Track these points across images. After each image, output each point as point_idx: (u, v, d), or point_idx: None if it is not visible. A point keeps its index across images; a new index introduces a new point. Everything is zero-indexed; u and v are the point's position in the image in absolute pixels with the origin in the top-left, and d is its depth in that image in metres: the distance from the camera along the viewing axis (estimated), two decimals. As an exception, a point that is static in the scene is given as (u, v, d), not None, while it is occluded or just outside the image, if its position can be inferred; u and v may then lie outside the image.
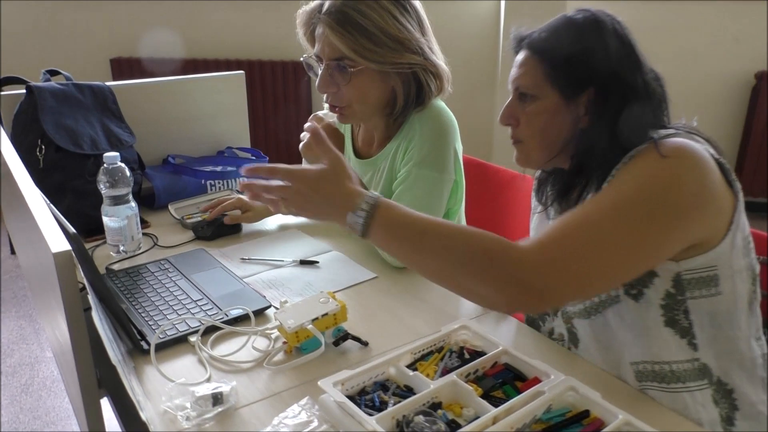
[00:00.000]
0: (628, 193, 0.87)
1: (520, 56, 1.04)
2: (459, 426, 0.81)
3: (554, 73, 0.98)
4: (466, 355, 0.98)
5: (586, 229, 0.86)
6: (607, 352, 1.02)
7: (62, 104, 1.52)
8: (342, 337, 1.04)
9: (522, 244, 0.86)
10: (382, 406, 0.86)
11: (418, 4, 1.30)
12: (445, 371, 0.93)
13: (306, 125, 1.36)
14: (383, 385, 0.92)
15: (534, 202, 1.22)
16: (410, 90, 1.31)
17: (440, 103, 1.36)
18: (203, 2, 3.53)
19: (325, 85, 1.28)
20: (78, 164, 1.49)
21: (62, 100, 1.53)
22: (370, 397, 0.88)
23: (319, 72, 1.29)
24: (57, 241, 0.72)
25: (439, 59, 1.33)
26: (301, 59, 1.35)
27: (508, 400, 0.84)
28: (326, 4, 1.25)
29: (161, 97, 1.78)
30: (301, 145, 1.37)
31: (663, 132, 0.96)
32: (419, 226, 0.91)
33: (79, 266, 0.78)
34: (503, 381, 0.92)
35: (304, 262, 1.35)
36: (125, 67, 3.64)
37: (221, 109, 1.89)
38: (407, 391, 0.90)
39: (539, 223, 1.20)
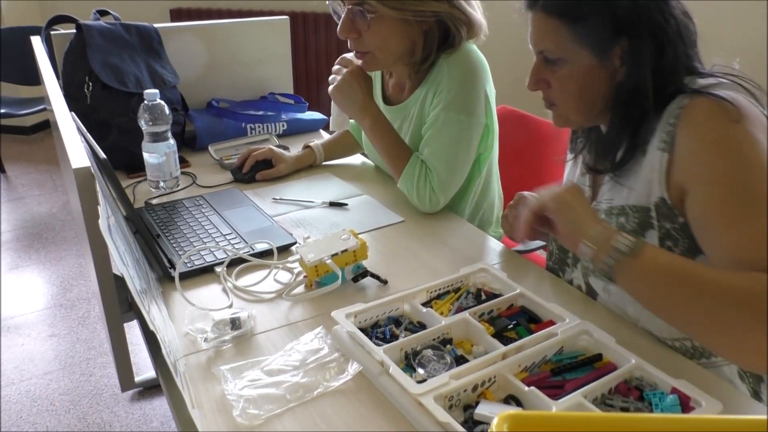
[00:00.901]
0: (749, 176, 0.80)
1: (537, 17, 0.95)
2: (466, 362, 0.81)
3: (581, 32, 0.91)
4: (483, 297, 0.98)
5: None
6: (623, 313, 1.00)
7: (110, 43, 1.56)
8: (361, 273, 1.06)
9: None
10: (392, 339, 0.87)
11: None
12: (460, 310, 0.93)
13: (334, 67, 1.36)
14: (396, 320, 0.93)
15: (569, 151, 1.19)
16: (433, 38, 1.28)
17: (471, 45, 1.32)
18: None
19: (346, 30, 1.27)
20: (123, 102, 1.53)
21: (110, 39, 1.57)
22: (381, 330, 0.90)
23: (341, 17, 1.28)
24: (79, 159, 0.75)
25: (473, 6, 1.28)
26: (327, 3, 1.34)
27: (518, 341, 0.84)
28: None
29: (207, 40, 1.81)
30: (330, 87, 1.36)
31: (705, 81, 0.89)
32: (677, 277, 0.79)
33: (104, 187, 0.82)
34: (517, 323, 0.91)
35: (333, 204, 1.37)
36: (185, 17, 3.70)
37: (265, 54, 1.90)
38: (419, 327, 0.91)
39: (570, 170, 1.16)
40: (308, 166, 1.58)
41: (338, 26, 1.28)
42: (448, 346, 0.86)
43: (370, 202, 1.39)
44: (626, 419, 0.54)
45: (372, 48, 1.28)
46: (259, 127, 1.76)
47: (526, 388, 0.75)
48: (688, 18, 0.91)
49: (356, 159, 1.67)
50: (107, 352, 2.26)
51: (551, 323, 0.90)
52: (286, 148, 1.64)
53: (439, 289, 0.99)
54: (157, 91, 1.37)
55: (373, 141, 1.34)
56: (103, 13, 1.72)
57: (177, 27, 1.77)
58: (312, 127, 1.86)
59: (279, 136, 1.78)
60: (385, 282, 1.07)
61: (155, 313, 0.88)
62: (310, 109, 1.89)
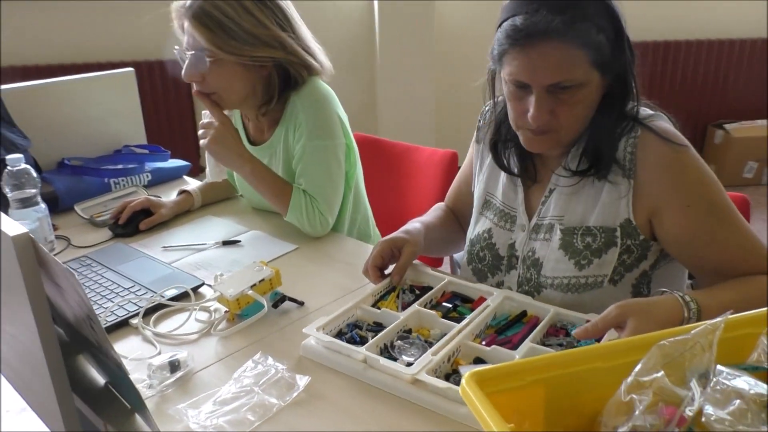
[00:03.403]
0: (714, 193, 1.00)
1: (553, 47, 0.93)
2: (431, 344, 0.95)
3: (596, 56, 0.94)
4: (416, 291, 1.13)
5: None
6: None
7: (-53, 112, 1.46)
8: (280, 299, 1.13)
9: None
10: (363, 340, 0.98)
11: (284, 2, 1.38)
12: (405, 305, 1.07)
13: (203, 122, 1.42)
14: (355, 325, 1.03)
15: (481, 149, 1.25)
16: (272, 81, 1.39)
17: (316, 79, 1.45)
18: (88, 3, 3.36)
19: (190, 75, 1.35)
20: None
21: (-54, 109, 1.46)
22: (348, 336, 1.00)
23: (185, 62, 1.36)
24: (11, 226, 0.75)
25: (311, 52, 1.41)
26: (174, 51, 1.41)
27: (464, 318, 1.01)
28: (188, 2, 1.33)
29: (51, 99, 1.74)
30: (203, 142, 1.40)
31: (645, 113, 1.04)
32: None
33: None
34: (455, 305, 1.07)
35: (227, 243, 1.41)
36: (19, 76, 3.34)
37: (114, 107, 1.88)
38: (378, 326, 1.03)
39: (492, 166, 1.21)
40: (186, 210, 1.60)
41: (182, 71, 1.36)
42: (413, 334, 0.99)
43: (261, 236, 1.45)
44: (574, 354, 0.70)
45: (216, 89, 1.38)
46: (123, 180, 1.73)
47: (488, 348, 0.92)
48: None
49: (230, 199, 1.72)
50: None
51: (482, 299, 1.07)
52: (158, 197, 1.64)
53: (380, 292, 1.11)
54: (21, 155, 1.33)
55: (255, 184, 1.41)
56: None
57: (17, 88, 1.69)
58: (176, 174, 1.87)
59: (145, 187, 1.76)
60: (302, 303, 1.16)
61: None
62: (172, 156, 1.90)
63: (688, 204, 1.00)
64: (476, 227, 1.24)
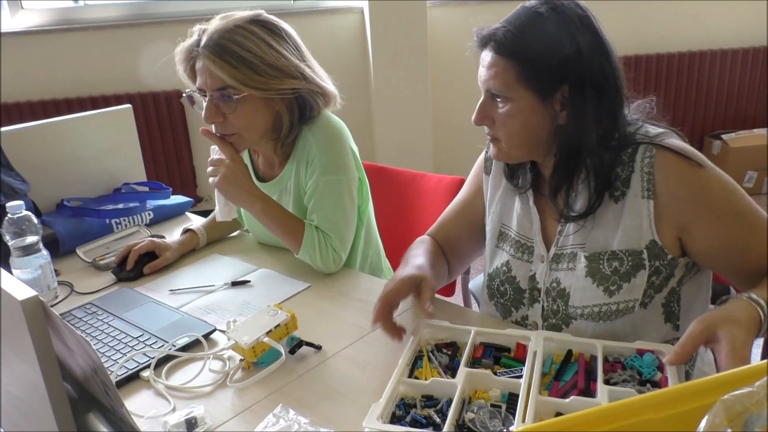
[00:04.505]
0: (739, 201, 1.00)
1: (488, 56, 1.02)
2: (498, 407, 0.89)
3: (526, 74, 0.98)
4: (443, 350, 1.04)
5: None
6: None
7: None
8: (297, 344, 1.09)
9: None
10: (429, 420, 0.89)
11: (292, 31, 1.36)
12: (444, 369, 1.00)
13: (212, 159, 1.37)
14: (405, 404, 0.93)
15: (478, 173, 1.26)
16: (294, 113, 1.36)
17: (327, 113, 1.42)
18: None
19: (211, 116, 1.31)
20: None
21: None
22: (409, 418, 0.89)
23: (204, 104, 1.31)
24: (19, 290, 0.71)
25: (323, 79, 1.39)
26: (184, 95, 1.37)
27: (516, 370, 0.96)
28: (204, 39, 1.29)
29: (48, 139, 1.71)
30: (213, 179, 1.35)
31: (655, 131, 1.04)
32: None
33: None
34: (495, 357, 1.01)
35: (236, 283, 1.37)
36: (15, 115, 3.30)
37: (112, 145, 1.84)
38: (430, 399, 0.93)
39: (505, 197, 1.20)
40: (191, 250, 1.56)
41: (203, 112, 1.31)
42: (481, 401, 0.91)
43: (271, 275, 1.41)
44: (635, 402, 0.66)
45: (238, 129, 1.33)
46: (124, 220, 1.69)
47: (567, 401, 0.86)
48: (621, 72, 1.02)
49: (235, 235, 1.68)
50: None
51: (522, 346, 1.02)
52: (161, 237, 1.60)
53: (410, 361, 1.00)
54: (21, 202, 1.28)
55: (266, 223, 1.37)
56: None
57: (14, 130, 1.65)
58: (179, 211, 1.83)
59: (147, 225, 1.72)
60: (319, 348, 1.11)
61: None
62: (174, 192, 1.86)
63: (717, 216, 1.00)
64: (494, 261, 1.21)
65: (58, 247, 1.57)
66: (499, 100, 1.02)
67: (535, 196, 1.15)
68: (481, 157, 1.27)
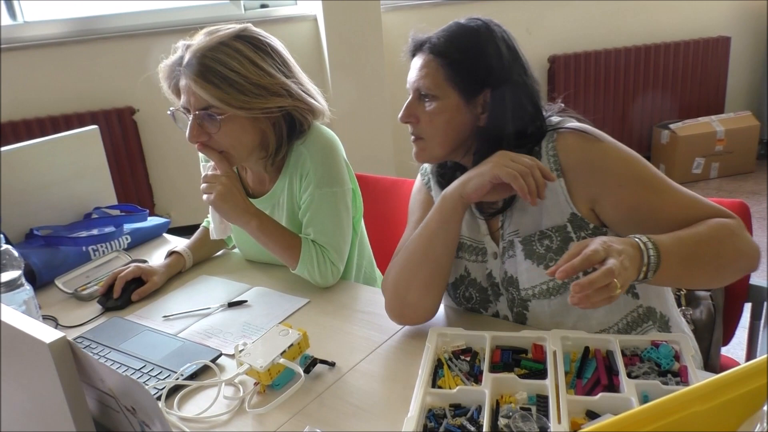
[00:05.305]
0: (639, 168, 1.07)
1: (420, 59, 1.12)
2: (529, 410, 0.89)
3: (454, 75, 1.09)
4: (461, 357, 1.05)
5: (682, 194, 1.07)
6: (559, 327, 1.11)
7: None
8: (311, 363, 1.07)
9: (728, 219, 1.04)
10: (463, 430, 0.88)
11: (279, 46, 1.32)
12: (466, 376, 1.00)
13: (207, 175, 1.33)
14: (436, 416, 0.92)
15: (424, 194, 1.28)
16: (281, 130, 1.33)
17: (319, 125, 1.40)
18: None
19: (195, 135, 1.27)
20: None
21: None
22: (443, 429, 0.89)
23: (188, 123, 1.27)
24: (45, 333, 0.68)
25: (311, 94, 1.36)
26: (168, 112, 1.32)
27: (539, 372, 0.97)
28: (186, 57, 1.25)
29: (12, 166, 1.62)
30: (207, 197, 1.31)
31: (556, 119, 1.14)
32: (686, 241, 0.98)
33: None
34: (515, 360, 1.02)
35: (232, 304, 1.33)
36: None
37: (79, 169, 1.76)
38: (459, 408, 0.93)
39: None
40: (177, 272, 1.51)
41: (187, 132, 1.28)
42: (511, 405, 0.91)
43: (267, 293, 1.38)
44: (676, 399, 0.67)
45: (225, 147, 1.30)
46: (102, 247, 1.62)
47: (596, 398, 0.88)
48: (537, 83, 1.14)
49: (221, 254, 1.64)
50: None
51: (539, 346, 1.03)
52: (144, 261, 1.54)
53: (430, 371, 0.99)
54: (0, 235, 1.21)
55: (262, 239, 1.34)
56: None
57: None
58: (156, 233, 1.77)
59: (125, 250, 1.66)
60: (333, 364, 1.09)
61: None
62: (151, 213, 1.80)
63: (619, 184, 1.06)
64: (456, 270, 1.23)
65: (34, 280, 1.49)
66: (426, 99, 1.11)
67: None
68: (418, 180, 1.31)
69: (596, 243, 0.91)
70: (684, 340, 0.99)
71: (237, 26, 1.28)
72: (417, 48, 1.14)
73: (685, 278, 1.04)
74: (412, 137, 1.16)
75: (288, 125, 1.34)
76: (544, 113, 1.15)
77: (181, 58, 1.25)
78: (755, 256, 1.04)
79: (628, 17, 3.97)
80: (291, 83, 1.30)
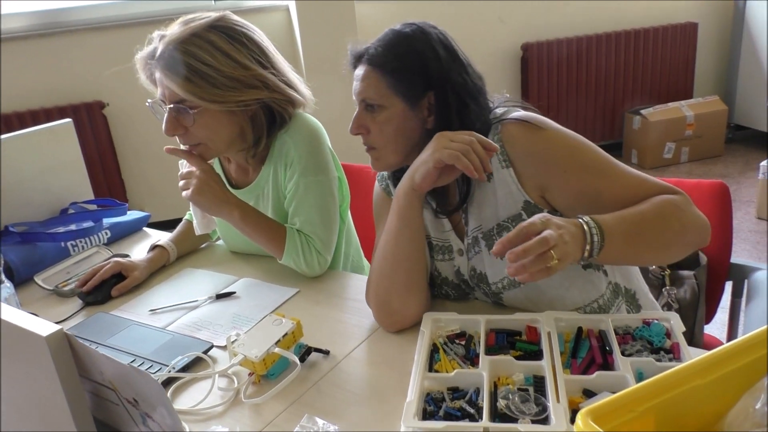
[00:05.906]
0: (583, 152, 1.08)
1: (361, 71, 1.12)
2: (526, 390, 0.90)
3: (396, 83, 1.09)
4: (456, 341, 1.05)
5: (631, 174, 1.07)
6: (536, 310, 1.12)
7: None
8: (306, 351, 1.06)
9: (674, 195, 1.04)
10: (463, 412, 0.89)
11: (257, 36, 1.29)
12: (462, 359, 1.00)
13: (182, 172, 1.32)
14: (434, 399, 0.92)
15: (384, 199, 1.27)
16: (260, 122, 1.31)
17: (302, 113, 1.38)
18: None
19: (171, 129, 1.25)
20: None
21: None
22: (443, 412, 0.89)
23: (164, 116, 1.25)
24: (41, 326, 0.66)
25: (292, 84, 1.33)
26: (147, 104, 1.30)
27: (534, 353, 0.98)
28: (159, 49, 1.22)
29: (-15, 162, 1.57)
30: (186, 193, 1.29)
31: (500, 111, 1.14)
32: (629, 219, 0.99)
33: None
34: (510, 342, 1.03)
35: (220, 296, 1.32)
36: None
37: (54, 163, 1.72)
38: (458, 391, 0.93)
39: None
40: (161, 266, 1.48)
41: (163, 125, 1.25)
42: (508, 386, 0.91)
43: (255, 284, 1.37)
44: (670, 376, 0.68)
45: (202, 139, 1.28)
46: (81, 242, 1.58)
47: (592, 376, 0.89)
48: (479, 77, 1.14)
49: (205, 246, 1.62)
50: None
51: (533, 328, 1.04)
52: (126, 255, 1.51)
53: (426, 355, 1.00)
54: (-22, 232, 1.18)
55: (246, 230, 1.32)
56: None
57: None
58: (137, 227, 1.74)
59: (105, 245, 1.63)
60: (327, 353, 1.09)
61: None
62: (131, 208, 1.76)
63: (564, 170, 1.07)
64: (429, 272, 1.22)
65: (13, 277, 1.45)
66: (373, 109, 1.11)
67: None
68: (377, 188, 1.30)
69: (535, 217, 0.93)
70: (675, 317, 1.01)
71: (213, 15, 1.25)
72: (357, 60, 1.14)
73: (632, 255, 1.04)
74: (366, 147, 1.16)
75: (268, 117, 1.32)
76: (490, 105, 1.15)
77: (155, 50, 1.23)
78: (704, 230, 1.04)
79: (599, 4, 4.02)
80: (268, 74, 1.27)
